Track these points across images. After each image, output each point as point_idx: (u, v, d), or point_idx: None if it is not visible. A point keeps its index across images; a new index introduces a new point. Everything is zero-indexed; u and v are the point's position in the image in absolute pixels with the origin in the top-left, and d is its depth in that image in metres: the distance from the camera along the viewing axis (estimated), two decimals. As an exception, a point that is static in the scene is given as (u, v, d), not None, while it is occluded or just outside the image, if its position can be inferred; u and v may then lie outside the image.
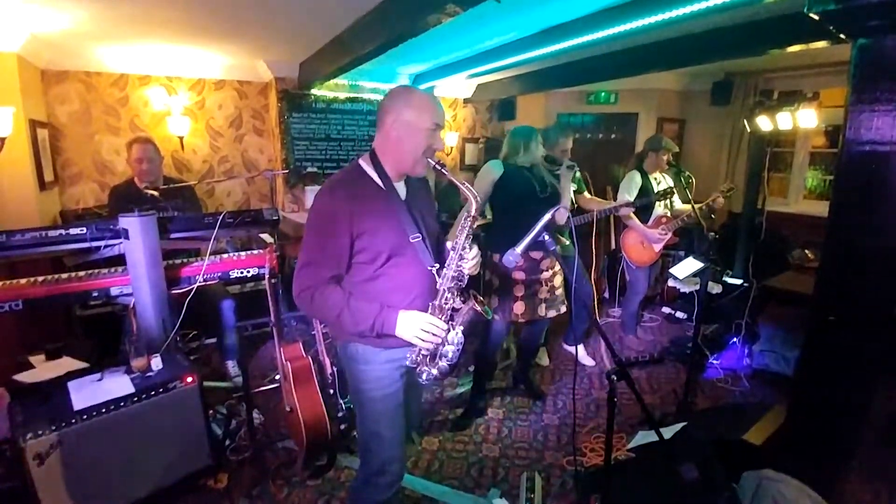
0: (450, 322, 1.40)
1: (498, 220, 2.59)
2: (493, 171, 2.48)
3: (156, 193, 2.65)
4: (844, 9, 1.42)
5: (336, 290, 1.36)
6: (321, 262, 1.35)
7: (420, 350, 1.43)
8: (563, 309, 2.64)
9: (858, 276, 1.64)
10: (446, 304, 1.39)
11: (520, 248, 1.38)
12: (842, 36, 1.60)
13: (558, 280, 2.60)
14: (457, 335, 1.38)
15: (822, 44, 2.55)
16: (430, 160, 1.42)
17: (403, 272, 1.41)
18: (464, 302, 1.40)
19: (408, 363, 1.44)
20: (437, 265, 1.44)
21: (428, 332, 1.35)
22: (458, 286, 1.41)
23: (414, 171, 1.45)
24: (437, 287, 1.41)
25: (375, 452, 1.51)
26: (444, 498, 2.15)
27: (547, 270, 2.54)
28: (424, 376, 1.43)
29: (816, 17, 1.51)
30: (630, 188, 3.42)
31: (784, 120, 3.12)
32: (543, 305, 2.54)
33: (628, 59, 3.61)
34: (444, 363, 1.41)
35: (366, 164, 1.44)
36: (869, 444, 2.03)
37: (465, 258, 1.41)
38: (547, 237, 1.42)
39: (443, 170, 1.42)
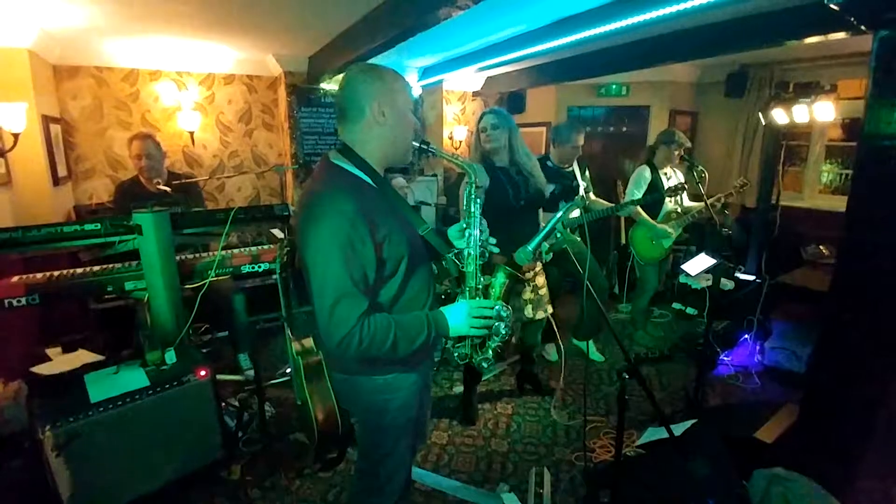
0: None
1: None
2: (481, 179, 2.34)
3: (168, 189, 2.67)
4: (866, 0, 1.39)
5: (378, 315, 1.17)
6: (357, 292, 1.13)
7: (470, 341, 1.35)
8: (550, 310, 2.57)
9: (876, 275, 1.61)
10: (479, 284, 1.33)
11: (531, 246, 1.36)
12: (862, 27, 1.56)
13: (540, 280, 2.52)
14: (502, 309, 1.31)
15: (840, 35, 2.49)
16: (414, 142, 1.31)
17: (421, 275, 1.31)
18: (491, 275, 1.35)
19: (459, 360, 1.37)
20: (455, 250, 1.37)
21: (480, 317, 1.26)
22: (483, 262, 1.34)
23: (404, 159, 1.32)
24: (465, 270, 1.34)
25: (386, 467, 1.42)
26: (453, 492, 2.16)
27: (529, 271, 2.46)
28: (486, 365, 1.37)
29: (836, 8, 1.47)
30: (639, 183, 3.38)
31: (800, 113, 3.06)
32: (530, 307, 2.47)
33: (640, 50, 3.56)
34: (496, 342, 1.35)
35: (344, 163, 1.24)
36: (881, 443, 2.01)
37: (484, 231, 1.35)
38: (559, 234, 1.41)
39: (430, 148, 1.33)
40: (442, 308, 1.28)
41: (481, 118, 2.39)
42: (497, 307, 1.29)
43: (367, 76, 1.23)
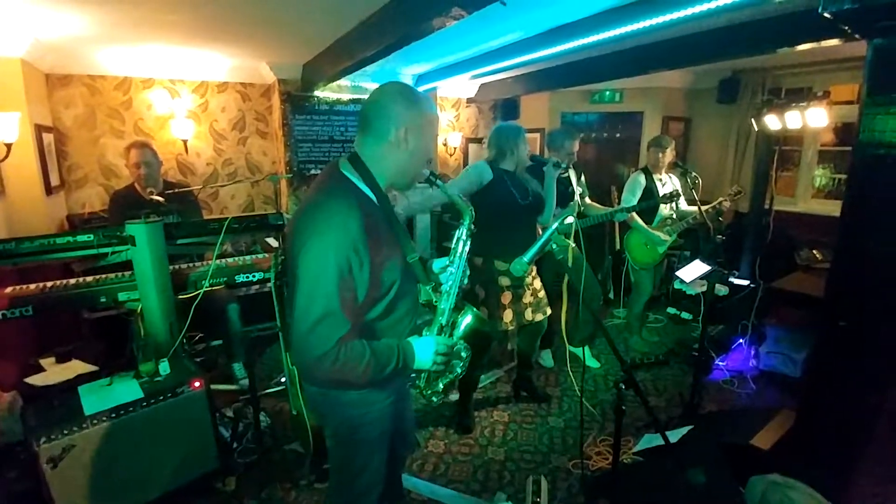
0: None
1: (479, 226, 2.47)
2: (484, 173, 2.42)
3: (161, 199, 2.65)
4: (860, 8, 1.39)
5: (355, 340, 1.16)
6: (342, 313, 1.11)
7: (427, 375, 1.36)
8: (549, 311, 2.62)
9: (871, 281, 1.62)
10: (449, 322, 1.34)
11: (527, 258, 1.36)
12: (856, 36, 1.58)
13: (538, 283, 2.59)
14: (463, 349, 1.34)
15: (833, 41, 2.52)
16: (424, 171, 1.30)
17: (408, 298, 1.31)
18: (460, 313, 1.36)
19: (413, 391, 1.38)
20: (433, 283, 1.37)
21: (444, 354, 1.29)
22: (458, 300, 1.36)
23: (411, 186, 1.31)
24: (437, 304, 1.35)
25: (361, 481, 1.40)
26: (450, 502, 2.15)
27: (528, 275, 2.51)
28: (435, 399, 1.39)
29: (830, 17, 1.48)
30: (634, 189, 3.42)
31: (793, 119, 3.08)
32: (529, 310, 2.52)
33: (634, 57, 3.58)
34: (448, 379, 1.37)
35: (352, 175, 1.21)
36: (879, 449, 2.01)
37: (466, 273, 1.36)
38: (555, 244, 1.41)
39: (437, 182, 1.32)
40: (411, 339, 1.28)
41: (519, 133, 2.52)
42: (458, 346, 1.32)
43: (403, 98, 1.21)
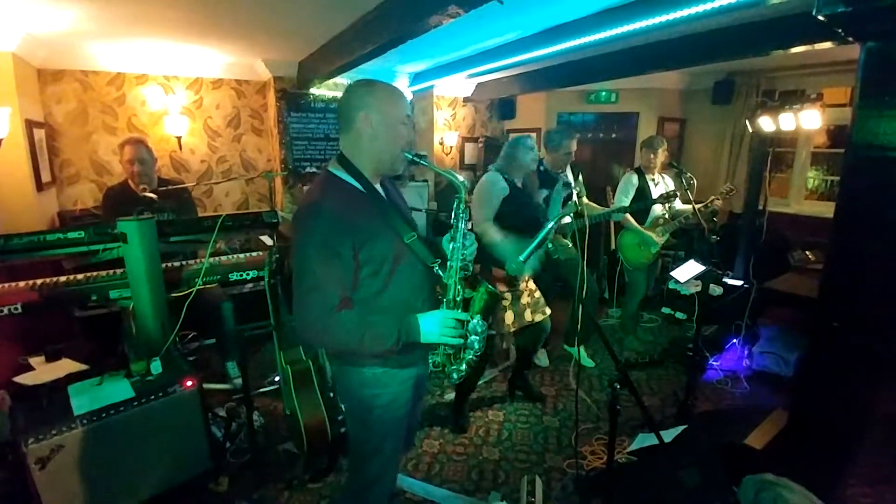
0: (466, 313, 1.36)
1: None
2: (499, 185, 2.43)
3: (154, 196, 2.62)
4: (853, 12, 1.40)
5: (349, 313, 1.26)
6: (328, 288, 1.24)
7: (444, 350, 1.38)
8: (549, 311, 2.62)
9: (863, 283, 1.63)
10: (458, 296, 1.35)
11: (523, 257, 1.36)
12: (849, 39, 1.59)
13: (532, 283, 2.60)
14: (478, 324, 1.34)
15: (826, 44, 2.54)
16: (407, 154, 1.37)
17: (409, 276, 1.35)
18: (474, 289, 1.37)
19: (432, 368, 1.40)
20: (439, 260, 1.39)
21: (452, 328, 1.30)
22: (465, 275, 1.38)
23: (393, 169, 1.39)
24: (446, 281, 1.37)
25: (372, 467, 1.45)
26: (444, 501, 2.14)
27: (521, 280, 2.51)
28: (455, 376, 1.39)
29: (824, 20, 1.49)
30: (627, 189, 3.43)
31: (787, 121, 3.09)
32: (529, 311, 2.53)
33: (629, 58, 3.60)
34: (470, 356, 1.37)
35: (338, 171, 1.34)
36: (872, 448, 2.03)
37: (468, 246, 1.38)
38: (550, 243, 1.41)
39: (422, 161, 1.38)
40: (417, 314, 1.32)
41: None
42: (474, 321, 1.33)
43: (359, 89, 1.32)
